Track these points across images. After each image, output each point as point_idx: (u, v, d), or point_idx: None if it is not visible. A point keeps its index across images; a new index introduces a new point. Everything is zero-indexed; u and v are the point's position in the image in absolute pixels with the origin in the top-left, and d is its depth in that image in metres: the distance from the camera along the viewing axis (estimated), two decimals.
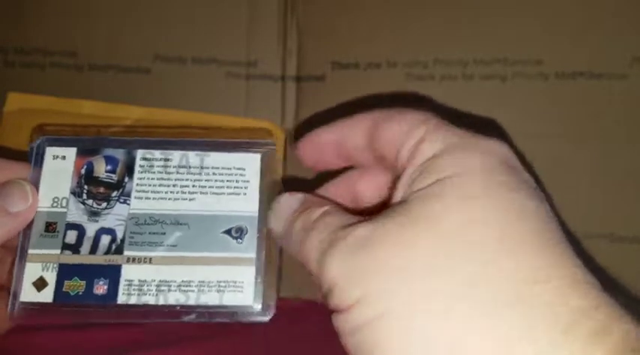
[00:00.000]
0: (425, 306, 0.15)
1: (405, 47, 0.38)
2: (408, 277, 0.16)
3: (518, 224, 0.16)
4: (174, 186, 0.21)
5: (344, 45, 0.39)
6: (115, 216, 0.20)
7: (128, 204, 0.20)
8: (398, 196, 0.19)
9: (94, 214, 0.20)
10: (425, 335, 0.15)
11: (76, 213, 0.20)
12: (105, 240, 0.20)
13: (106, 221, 0.20)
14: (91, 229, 0.20)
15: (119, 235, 0.20)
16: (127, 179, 0.20)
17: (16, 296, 0.19)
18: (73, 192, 0.21)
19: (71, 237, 0.20)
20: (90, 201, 0.20)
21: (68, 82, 0.39)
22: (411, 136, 0.19)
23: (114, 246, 0.20)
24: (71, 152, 0.21)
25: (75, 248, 0.20)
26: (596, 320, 0.14)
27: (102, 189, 0.20)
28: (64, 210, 0.20)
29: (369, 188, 0.24)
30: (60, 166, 0.21)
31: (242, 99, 0.40)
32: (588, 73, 0.36)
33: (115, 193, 0.20)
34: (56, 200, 0.20)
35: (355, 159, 0.23)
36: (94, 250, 0.20)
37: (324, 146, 0.23)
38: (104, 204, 0.20)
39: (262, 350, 0.32)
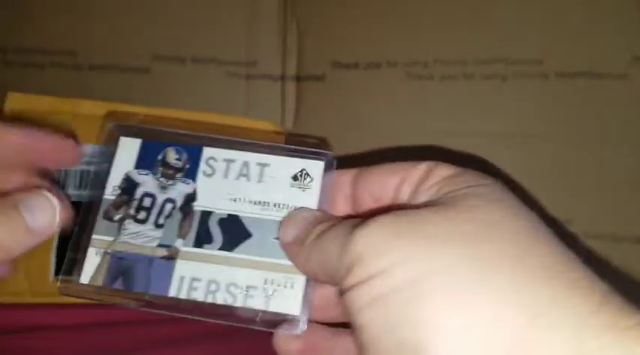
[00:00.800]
0: (466, 272, 0.16)
1: (405, 47, 0.38)
2: (448, 244, 0.16)
3: (542, 226, 0.18)
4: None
5: (344, 45, 0.39)
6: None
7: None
8: (420, 199, 0.20)
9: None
10: (467, 302, 0.15)
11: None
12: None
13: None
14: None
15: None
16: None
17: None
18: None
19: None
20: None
21: (68, 81, 0.39)
22: (413, 172, 0.20)
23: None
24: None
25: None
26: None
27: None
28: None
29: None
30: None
31: (242, 99, 0.40)
32: (589, 72, 0.36)
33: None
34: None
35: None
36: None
37: None
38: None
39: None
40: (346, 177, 0.22)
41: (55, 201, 0.21)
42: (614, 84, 0.35)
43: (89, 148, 0.36)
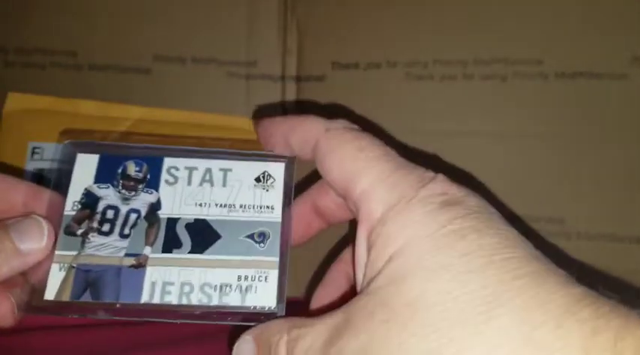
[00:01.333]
0: None
1: (404, 47, 0.38)
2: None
3: (486, 277, 0.15)
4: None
5: (344, 45, 0.39)
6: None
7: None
8: (360, 277, 0.18)
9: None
10: None
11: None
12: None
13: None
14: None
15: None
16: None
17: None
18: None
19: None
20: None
21: (68, 81, 0.39)
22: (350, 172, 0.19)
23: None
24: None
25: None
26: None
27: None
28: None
29: (328, 202, 0.24)
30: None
31: (242, 99, 0.40)
32: (588, 72, 0.36)
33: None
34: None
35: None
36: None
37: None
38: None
39: None
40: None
41: (44, 223, 0.21)
42: (613, 83, 0.35)
43: None
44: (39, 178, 0.36)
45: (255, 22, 0.40)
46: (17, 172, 0.36)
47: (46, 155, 0.36)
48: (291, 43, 0.40)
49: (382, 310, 0.16)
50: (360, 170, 0.19)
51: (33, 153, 0.36)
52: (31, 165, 0.36)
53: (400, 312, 0.16)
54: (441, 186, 0.18)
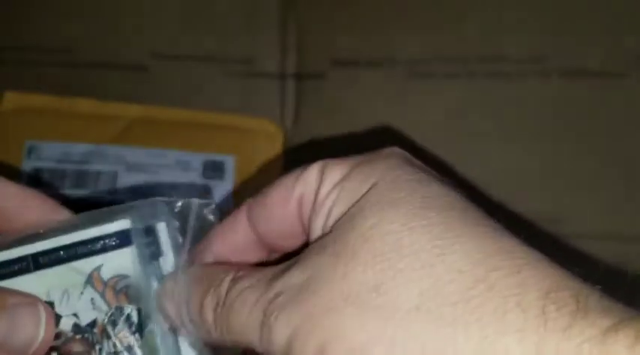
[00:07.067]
0: (391, 330, 0.14)
1: (405, 44, 0.38)
2: (360, 306, 0.14)
3: (446, 216, 0.15)
4: None
5: (344, 42, 0.39)
6: None
7: None
8: (317, 228, 0.17)
9: None
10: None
11: None
12: None
13: None
14: None
15: None
16: None
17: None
18: None
19: None
20: None
21: (64, 79, 0.39)
22: (306, 187, 0.18)
23: None
24: None
25: None
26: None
27: None
28: None
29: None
30: None
31: (240, 97, 0.39)
32: (590, 71, 0.36)
33: None
34: None
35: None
36: None
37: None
38: None
39: None
40: (239, 221, 0.19)
41: (43, 314, 0.18)
42: (615, 82, 0.36)
43: (87, 147, 0.37)
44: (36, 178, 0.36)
45: (254, 19, 0.39)
46: (13, 172, 0.36)
47: (43, 154, 0.36)
48: (290, 40, 0.40)
49: (334, 244, 0.16)
50: None
51: (29, 152, 0.36)
52: (27, 164, 0.36)
53: (351, 244, 0.15)
54: (395, 149, 0.18)
